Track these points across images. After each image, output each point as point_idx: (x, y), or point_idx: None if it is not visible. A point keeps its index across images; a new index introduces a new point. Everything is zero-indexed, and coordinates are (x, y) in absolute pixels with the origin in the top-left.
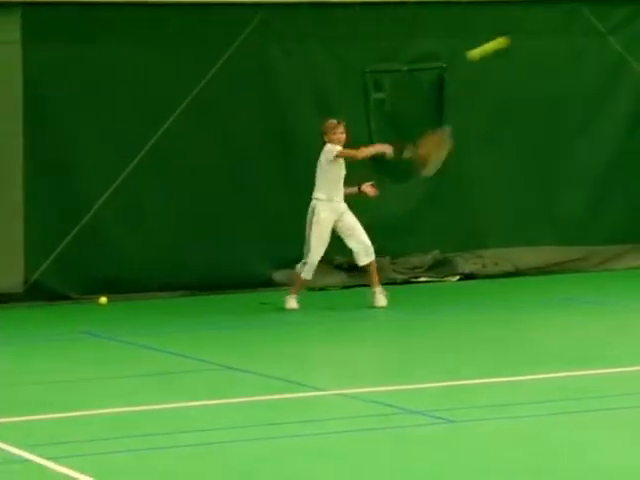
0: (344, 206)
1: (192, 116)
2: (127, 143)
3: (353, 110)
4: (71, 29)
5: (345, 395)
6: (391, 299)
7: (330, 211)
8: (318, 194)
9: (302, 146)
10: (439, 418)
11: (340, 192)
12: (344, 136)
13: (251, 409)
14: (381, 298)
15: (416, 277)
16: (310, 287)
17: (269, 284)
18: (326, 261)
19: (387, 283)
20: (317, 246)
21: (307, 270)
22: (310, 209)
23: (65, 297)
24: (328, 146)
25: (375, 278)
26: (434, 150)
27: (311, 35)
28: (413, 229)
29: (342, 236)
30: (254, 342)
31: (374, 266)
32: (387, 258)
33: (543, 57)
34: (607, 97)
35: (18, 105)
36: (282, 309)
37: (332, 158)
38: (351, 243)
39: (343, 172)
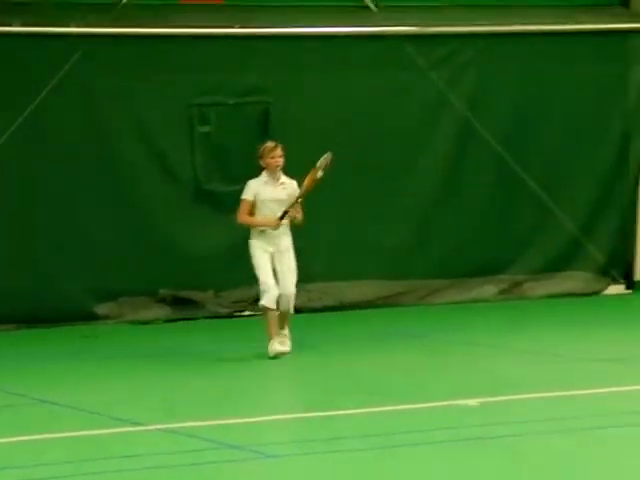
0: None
1: (15, 147)
2: None
3: (178, 142)
4: None
5: (166, 430)
6: (216, 332)
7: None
8: None
9: (128, 178)
10: (258, 453)
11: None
12: (282, 160)
13: (73, 444)
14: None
15: (240, 311)
16: (133, 320)
17: (92, 317)
18: (149, 294)
19: (211, 317)
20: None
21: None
22: None
23: None
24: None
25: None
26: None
27: (135, 67)
28: (237, 262)
29: None
30: (75, 376)
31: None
32: (211, 291)
33: (367, 91)
34: (430, 132)
35: None
36: (105, 342)
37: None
38: None
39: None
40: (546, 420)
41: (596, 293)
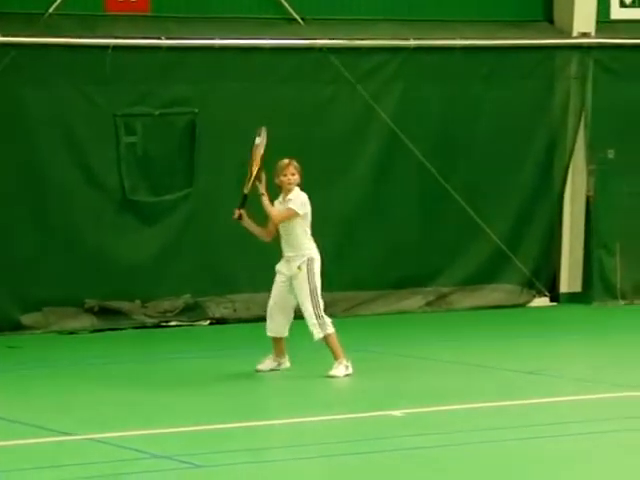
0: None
1: None
2: None
3: (104, 153)
4: None
5: (92, 439)
6: (143, 343)
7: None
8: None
9: (54, 187)
10: (186, 462)
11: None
12: (295, 177)
13: None
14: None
15: (167, 321)
16: (59, 330)
17: (18, 327)
18: (76, 304)
19: (138, 327)
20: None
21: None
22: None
23: None
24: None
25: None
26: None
27: (61, 77)
28: (164, 272)
29: None
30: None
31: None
32: (138, 301)
33: (292, 104)
34: (356, 145)
35: None
36: (30, 352)
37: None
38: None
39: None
40: (471, 431)
41: (521, 305)
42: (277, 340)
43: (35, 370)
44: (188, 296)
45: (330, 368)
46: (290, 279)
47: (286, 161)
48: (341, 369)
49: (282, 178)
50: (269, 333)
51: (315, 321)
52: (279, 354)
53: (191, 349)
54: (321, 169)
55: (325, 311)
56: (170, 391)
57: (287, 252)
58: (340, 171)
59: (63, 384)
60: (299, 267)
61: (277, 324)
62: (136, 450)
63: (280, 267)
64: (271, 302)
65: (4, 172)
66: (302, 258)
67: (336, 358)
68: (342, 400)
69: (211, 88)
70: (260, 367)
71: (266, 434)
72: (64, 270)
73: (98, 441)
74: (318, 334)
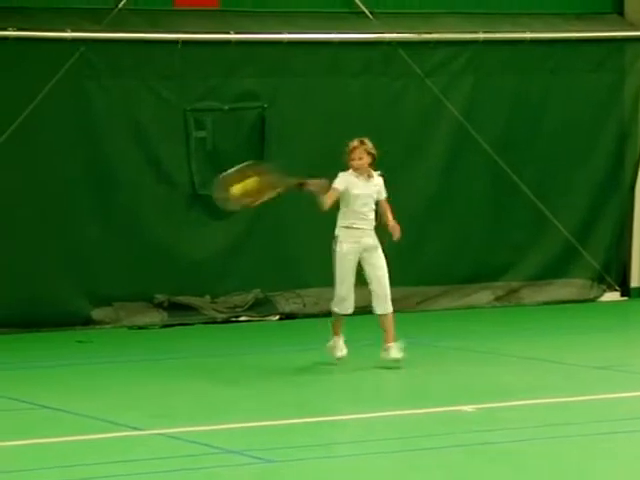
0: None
1: (10, 151)
2: None
3: (174, 148)
4: None
5: (162, 434)
6: (211, 337)
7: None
8: None
9: (121, 182)
10: (257, 458)
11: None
12: (362, 162)
13: (70, 449)
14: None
15: (237, 316)
16: (129, 325)
17: (88, 322)
18: (146, 299)
19: (208, 322)
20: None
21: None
22: None
23: None
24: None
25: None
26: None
27: (131, 72)
28: (233, 268)
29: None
30: (70, 380)
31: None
32: (207, 297)
33: (362, 97)
34: (425, 139)
35: None
36: (100, 347)
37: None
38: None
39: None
40: (542, 426)
41: (592, 300)
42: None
43: (106, 365)
44: (258, 291)
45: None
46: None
47: (355, 143)
48: (397, 350)
49: (350, 162)
50: (350, 310)
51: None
52: (341, 334)
53: (260, 344)
54: (390, 163)
55: (395, 306)
56: (239, 386)
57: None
58: (409, 165)
59: (133, 379)
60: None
61: (352, 300)
62: (206, 445)
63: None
64: (350, 279)
65: (73, 168)
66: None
67: (394, 339)
68: (412, 395)
69: (280, 83)
70: (340, 354)
71: (336, 429)
72: (134, 265)
73: (168, 436)
74: (390, 308)
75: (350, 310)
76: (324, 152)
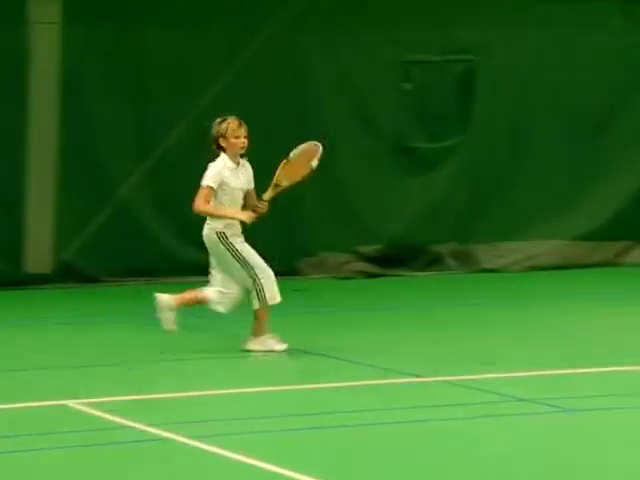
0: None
1: (223, 102)
2: (158, 126)
3: (383, 100)
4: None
5: (447, 382)
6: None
7: None
8: None
9: (332, 131)
10: (555, 407)
11: None
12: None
13: (357, 394)
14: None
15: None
16: (335, 276)
17: (295, 273)
18: (350, 251)
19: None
20: None
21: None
22: None
23: (95, 280)
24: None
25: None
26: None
27: (341, 22)
28: (437, 220)
29: None
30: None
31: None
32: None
33: (572, 51)
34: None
35: (53, 88)
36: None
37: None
38: None
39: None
40: None
41: None
42: None
43: (355, 312)
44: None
45: None
46: None
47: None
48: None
49: (234, 140)
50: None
51: None
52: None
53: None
54: (588, 119)
55: None
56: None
57: None
58: (607, 120)
59: (392, 327)
60: None
61: None
62: (495, 393)
63: None
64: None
65: (282, 119)
66: None
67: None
68: None
69: (491, 36)
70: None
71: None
72: (339, 217)
73: (451, 383)
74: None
75: None
76: (529, 106)
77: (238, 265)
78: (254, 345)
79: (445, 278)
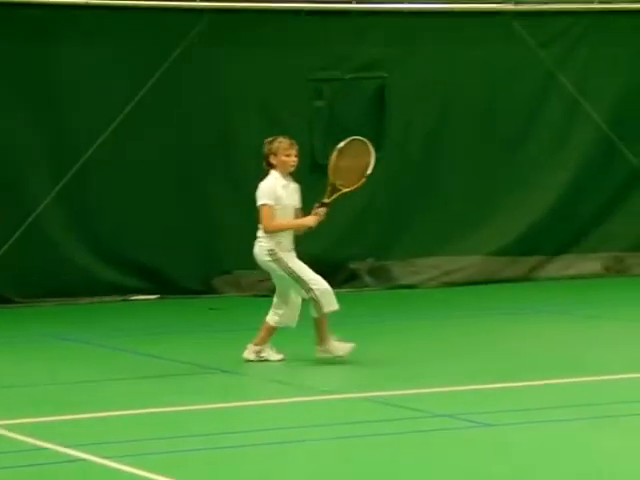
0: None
1: (138, 119)
2: (72, 144)
3: (296, 117)
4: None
5: (365, 398)
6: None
7: None
8: None
9: (243, 148)
10: (473, 422)
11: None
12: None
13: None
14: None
15: None
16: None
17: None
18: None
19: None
20: None
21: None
22: None
23: (7, 300)
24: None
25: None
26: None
27: (255, 40)
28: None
29: None
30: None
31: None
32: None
33: (477, 68)
34: (537, 111)
35: None
36: None
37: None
38: None
39: None
40: None
41: None
42: None
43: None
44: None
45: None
46: None
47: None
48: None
49: (285, 158)
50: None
51: None
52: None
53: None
54: (503, 135)
55: None
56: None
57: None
58: (522, 136)
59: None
60: None
61: None
62: (413, 409)
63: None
64: None
65: (200, 138)
66: None
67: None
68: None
69: (400, 53)
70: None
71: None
72: (255, 234)
73: (369, 400)
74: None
75: None
76: (442, 121)
77: (291, 279)
78: (320, 353)
79: (361, 295)
